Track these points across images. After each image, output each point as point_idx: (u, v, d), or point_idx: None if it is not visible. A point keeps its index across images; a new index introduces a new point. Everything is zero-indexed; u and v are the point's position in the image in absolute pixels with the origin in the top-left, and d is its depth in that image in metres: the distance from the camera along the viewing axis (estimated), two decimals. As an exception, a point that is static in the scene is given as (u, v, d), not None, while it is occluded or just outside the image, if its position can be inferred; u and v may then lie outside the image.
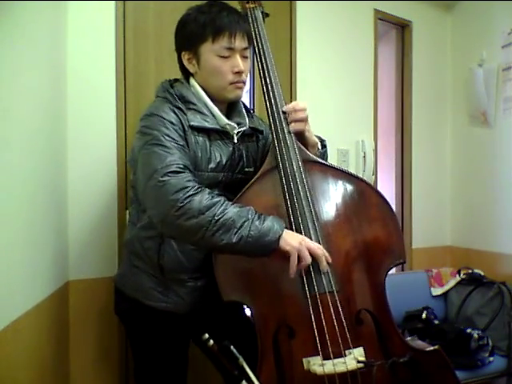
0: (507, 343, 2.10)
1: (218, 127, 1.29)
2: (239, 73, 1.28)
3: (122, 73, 1.73)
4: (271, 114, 1.31)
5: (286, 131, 1.28)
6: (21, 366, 1.14)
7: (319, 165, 1.31)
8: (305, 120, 1.31)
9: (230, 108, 1.37)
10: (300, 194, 1.22)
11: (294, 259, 1.12)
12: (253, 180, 1.27)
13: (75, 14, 1.63)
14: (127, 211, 1.65)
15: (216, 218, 1.10)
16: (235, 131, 1.32)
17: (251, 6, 1.39)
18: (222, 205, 1.12)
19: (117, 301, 1.41)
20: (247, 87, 2.13)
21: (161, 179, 1.12)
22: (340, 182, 1.30)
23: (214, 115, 1.30)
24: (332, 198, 1.28)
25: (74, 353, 1.64)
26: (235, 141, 1.33)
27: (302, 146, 1.31)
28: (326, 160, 1.40)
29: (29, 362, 1.20)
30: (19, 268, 1.14)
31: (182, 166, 1.15)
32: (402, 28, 2.73)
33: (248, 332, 1.33)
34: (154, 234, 1.28)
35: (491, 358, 2.03)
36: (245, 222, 1.11)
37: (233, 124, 1.32)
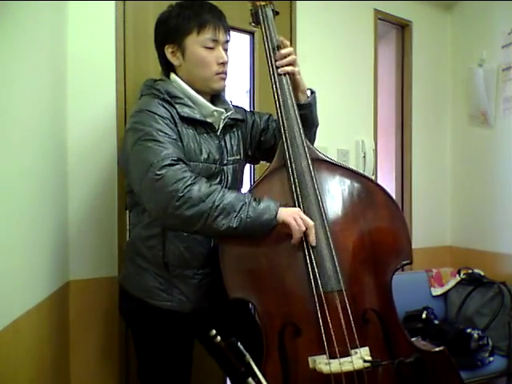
0: (507, 343, 2.10)
1: (204, 119, 1.32)
2: (223, 64, 1.32)
3: (122, 73, 1.73)
4: (280, 114, 1.31)
5: (296, 131, 1.29)
6: (21, 366, 1.14)
7: (327, 163, 1.32)
8: (293, 63, 1.35)
9: (213, 98, 1.40)
10: (309, 192, 1.24)
11: (294, 225, 1.17)
12: (261, 177, 1.28)
13: (75, 14, 1.63)
14: (127, 211, 1.65)
15: (216, 203, 1.14)
16: (223, 116, 1.35)
17: (262, 3, 1.39)
18: (220, 191, 1.16)
19: (121, 301, 1.41)
20: (247, 87, 2.13)
21: (158, 172, 1.14)
22: (348, 181, 1.31)
23: (200, 106, 1.32)
24: (340, 196, 1.29)
25: (74, 353, 1.63)
26: (218, 132, 1.35)
27: (311, 145, 1.33)
28: (316, 106, 1.45)
29: (29, 362, 1.20)
30: (19, 268, 1.14)
31: (176, 159, 1.17)
32: (402, 28, 2.73)
33: (253, 330, 1.33)
34: (156, 233, 1.29)
35: (491, 358, 2.03)
36: (243, 205, 1.16)
37: (220, 109, 1.35)
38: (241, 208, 1.15)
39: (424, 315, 2.23)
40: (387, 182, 2.78)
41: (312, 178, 1.25)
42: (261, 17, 1.39)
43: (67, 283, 1.61)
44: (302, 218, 1.18)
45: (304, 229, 1.18)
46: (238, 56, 2.06)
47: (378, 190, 1.33)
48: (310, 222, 1.19)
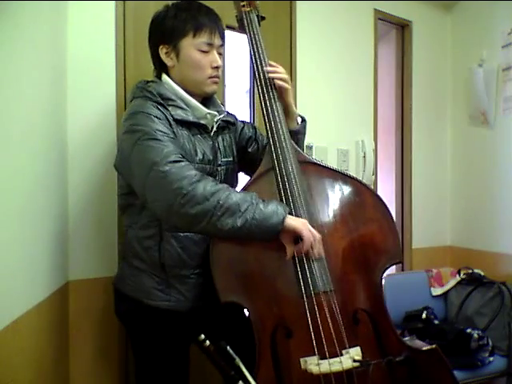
0: (507, 343, 2.10)
1: (198, 121, 1.32)
2: (217, 68, 1.33)
3: (122, 72, 1.73)
4: (267, 118, 1.32)
5: (282, 137, 1.29)
6: (21, 366, 1.14)
7: (315, 166, 1.33)
8: (287, 80, 1.36)
9: (205, 100, 1.40)
10: (295, 195, 1.23)
11: (306, 234, 1.16)
12: (249, 181, 1.28)
13: (75, 14, 1.63)
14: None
15: (221, 202, 1.12)
16: (216, 119, 1.36)
17: (247, 9, 1.41)
18: (225, 190, 1.15)
19: (117, 302, 1.41)
20: (247, 88, 2.13)
21: (162, 170, 1.14)
22: (335, 183, 1.31)
23: (192, 108, 1.32)
24: (328, 198, 1.29)
25: (74, 353, 1.63)
26: (212, 134, 1.36)
27: (298, 148, 1.33)
28: (305, 133, 1.45)
29: (29, 361, 1.20)
30: (19, 268, 1.14)
31: (180, 156, 1.17)
32: (402, 28, 2.73)
33: (250, 329, 1.33)
34: (153, 233, 1.29)
35: (491, 358, 2.03)
36: (249, 205, 1.14)
37: (213, 112, 1.36)
38: (246, 208, 1.13)
39: (424, 315, 2.23)
40: (387, 182, 2.78)
41: (298, 180, 1.25)
42: (245, 22, 1.40)
43: (67, 283, 1.61)
44: (310, 230, 1.18)
45: (314, 238, 1.18)
46: (238, 56, 2.05)
47: (366, 191, 1.33)
48: (318, 234, 1.19)
